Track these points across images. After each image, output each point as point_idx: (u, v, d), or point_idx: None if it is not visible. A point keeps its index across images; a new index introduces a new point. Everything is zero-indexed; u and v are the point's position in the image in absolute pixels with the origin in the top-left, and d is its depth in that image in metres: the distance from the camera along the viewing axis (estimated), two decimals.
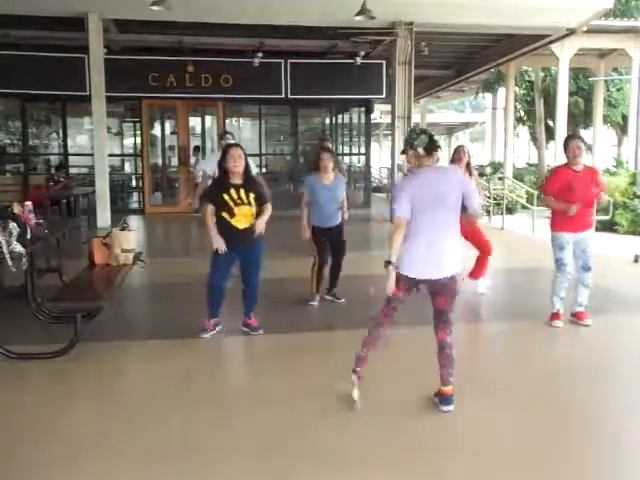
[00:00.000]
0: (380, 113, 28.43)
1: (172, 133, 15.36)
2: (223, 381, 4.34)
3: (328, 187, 5.82)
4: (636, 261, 8.29)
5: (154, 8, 9.33)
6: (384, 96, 14.58)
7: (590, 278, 5.29)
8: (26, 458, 3.13)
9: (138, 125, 15.05)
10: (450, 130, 39.00)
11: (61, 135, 14.89)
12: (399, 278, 3.53)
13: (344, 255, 6.04)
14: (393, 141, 12.89)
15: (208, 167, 6.47)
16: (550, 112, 20.08)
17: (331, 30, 12.26)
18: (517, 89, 22.67)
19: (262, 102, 15.13)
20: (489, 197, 9.74)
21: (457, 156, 6.19)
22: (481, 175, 12.03)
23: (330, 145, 9.21)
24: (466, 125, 40.08)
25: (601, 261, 5.45)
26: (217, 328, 5.00)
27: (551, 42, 14.25)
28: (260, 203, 4.81)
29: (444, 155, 3.80)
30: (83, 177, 15.07)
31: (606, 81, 20.23)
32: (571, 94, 19.46)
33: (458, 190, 3.55)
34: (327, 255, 5.98)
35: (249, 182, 4.79)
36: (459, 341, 3.71)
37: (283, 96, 14.46)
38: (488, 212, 12.59)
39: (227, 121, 15.01)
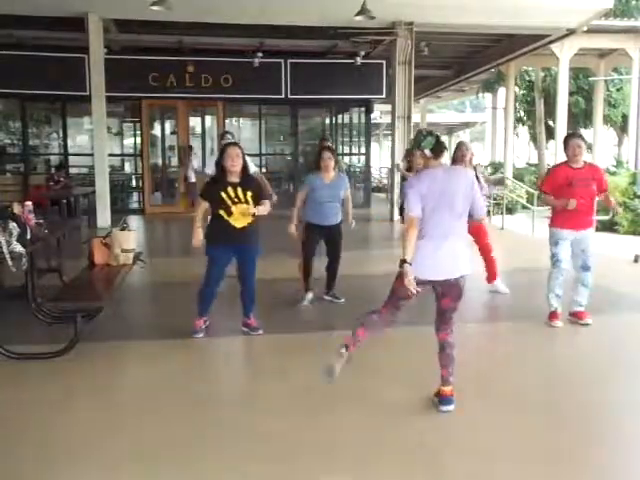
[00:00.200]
0: (380, 113, 28.44)
1: (172, 133, 15.37)
2: (223, 381, 4.35)
3: (329, 186, 5.82)
4: (636, 261, 8.29)
5: (154, 8, 9.34)
6: (384, 96, 14.59)
7: (590, 278, 5.28)
8: (25, 458, 3.12)
9: (138, 125, 15.07)
10: (450, 130, 38.98)
11: (61, 135, 14.90)
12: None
13: (339, 254, 6.02)
14: (393, 141, 12.89)
15: (209, 168, 6.49)
16: (550, 112, 20.09)
17: (331, 30, 12.26)
18: (517, 89, 22.67)
19: (262, 102, 15.14)
20: (489, 197, 9.72)
21: (459, 153, 6.19)
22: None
23: (331, 144, 9.24)
24: (466, 125, 40.08)
25: (601, 261, 5.44)
26: (205, 325, 5.01)
27: (551, 42, 14.26)
28: (258, 201, 4.79)
29: (446, 155, 3.78)
30: (83, 177, 15.09)
31: (606, 81, 20.23)
32: (571, 94, 19.46)
33: (467, 192, 3.54)
34: (313, 252, 5.93)
35: (247, 181, 4.79)
36: (459, 341, 3.70)
37: (283, 96, 14.47)
38: (488, 212, 12.59)
39: (227, 121, 15.02)
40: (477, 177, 6.14)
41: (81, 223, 11.39)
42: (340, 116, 17.51)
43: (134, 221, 12.06)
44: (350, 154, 17.95)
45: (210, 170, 6.15)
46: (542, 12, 11.55)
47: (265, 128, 16.11)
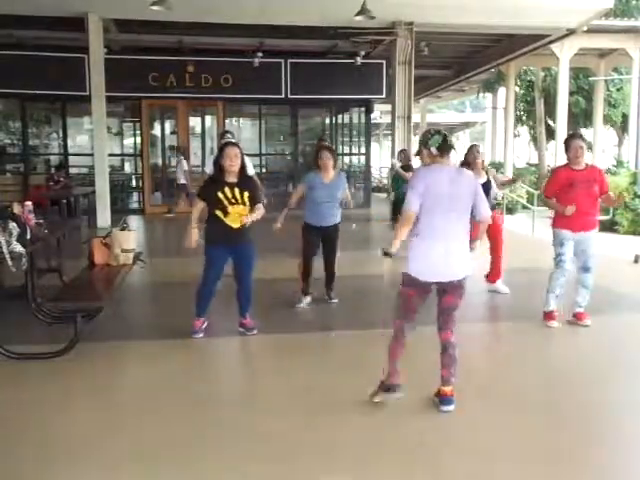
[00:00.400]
0: (380, 113, 28.43)
1: (172, 133, 15.37)
2: (222, 381, 4.35)
3: (328, 185, 5.80)
4: (636, 261, 8.29)
5: (154, 8, 9.34)
6: (384, 96, 14.58)
7: (590, 279, 5.26)
8: (25, 458, 3.12)
9: (138, 125, 15.06)
10: (450, 130, 38.96)
11: (61, 135, 14.90)
12: (416, 282, 3.51)
13: (335, 253, 5.98)
14: (393, 141, 12.90)
15: (208, 167, 6.49)
16: (550, 112, 20.09)
17: (331, 30, 12.27)
18: (517, 89, 22.67)
19: (262, 102, 15.14)
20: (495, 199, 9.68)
21: (471, 156, 6.20)
22: None
23: (328, 144, 9.24)
24: (466, 125, 40.09)
25: (601, 261, 5.43)
26: (204, 325, 5.01)
27: (551, 42, 14.27)
28: (254, 202, 4.79)
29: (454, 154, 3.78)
30: (83, 177, 15.08)
31: (606, 81, 20.23)
32: (571, 94, 19.46)
33: (472, 193, 3.54)
34: (313, 253, 5.89)
35: (244, 181, 4.78)
36: (459, 341, 3.70)
37: (283, 96, 14.47)
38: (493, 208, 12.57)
39: (227, 121, 15.03)
40: (489, 181, 6.20)
41: (81, 223, 11.39)
42: (340, 116, 17.51)
43: (134, 221, 12.06)
44: (350, 154, 17.95)
45: (209, 169, 6.15)
46: (542, 12, 11.55)
47: (265, 128, 16.10)
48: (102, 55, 11.62)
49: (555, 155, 17.75)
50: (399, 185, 10.45)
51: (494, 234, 6.20)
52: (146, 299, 6.76)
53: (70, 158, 14.78)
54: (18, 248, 4.17)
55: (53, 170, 13.17)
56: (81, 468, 3.02)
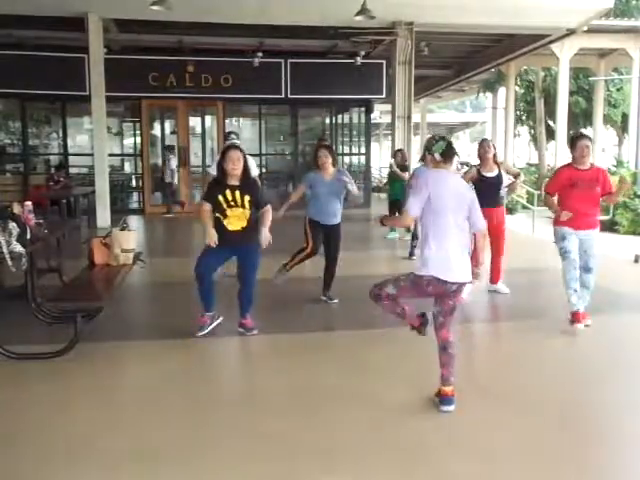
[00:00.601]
0: (380, 113, 28.44)
1: (172, 133, 15.37)
2: (222, 381, 4.35)
3: (328, 183, 5.83)
4: (636, 261, 8.28)
5: (154, 8, 9.34)
6: (384, 96, 14.58)
7: (592, 280, 5.24)
8: (25, 458, 3.12)
9: (138, 125, 15.06)
10: (450, 130, 39.02)
11: (61, 135, 14.90)
12: (430, 281, 3.50)
13: (337, 255, 6.03)
14: (393, 141, 12.90)
15: (213, 169, 6.49)
16: (550, 112, 20.09)
17: (331, 30, 12.27)
18: (517, 89, 22.68)
19: (262, 102, 15.14)
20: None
21: (482, 150, 6.24)
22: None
23: (328, 143, 9.26)
24: (466, 125, 40.12)
25: (601, 261, 5.43)
26: (215, 322, 4.99)
27: (551, 42, 14.28)
28: (258, 206, 4.80)
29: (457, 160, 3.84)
30: (83, 177, 15.08)
31: (606, 81, 20.24)
32: (571, 94, 19.47)
33: (469, 203, 3.58)
34: (318, 244, 5.95)
35: (246, 184, 4.78)
36: (458, 342, 3.70)
37: (283, 96, 14.47)
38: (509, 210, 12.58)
39: (227, 121, 15.02)
40: (500, 175, 6.23)
41: (81, 223, 11.39)
42: (340, 116, 17.50)
43: (134, 221, 12.05)
44: (350, 154, 17.95)
45: (214, 171, 6.17)
46: (542, 12, 11.56)
47: (265, 128, 16.10)
48: (102, 55, 11.62)
49: (555, 155, 17.76)
50: (396, 185, 10.45)
51: (497, 231, 6.19)
52: (146, 299, 6.76)
53: (70, 158, 14.78)
54: (18, 248, 4.17)
55: (53, 170, 13.17)
56: (81, 468, 3.02)
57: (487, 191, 5.97)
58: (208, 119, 15.59)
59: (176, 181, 13.88)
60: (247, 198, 4.73)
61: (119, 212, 11.88)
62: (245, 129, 17.69)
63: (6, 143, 15.39)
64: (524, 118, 24.95)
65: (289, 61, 14.30)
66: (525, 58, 16.71)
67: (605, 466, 3.11)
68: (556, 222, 5.26)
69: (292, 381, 4.11)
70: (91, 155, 12.98)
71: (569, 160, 5.33)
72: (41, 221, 5.04)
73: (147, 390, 3.99)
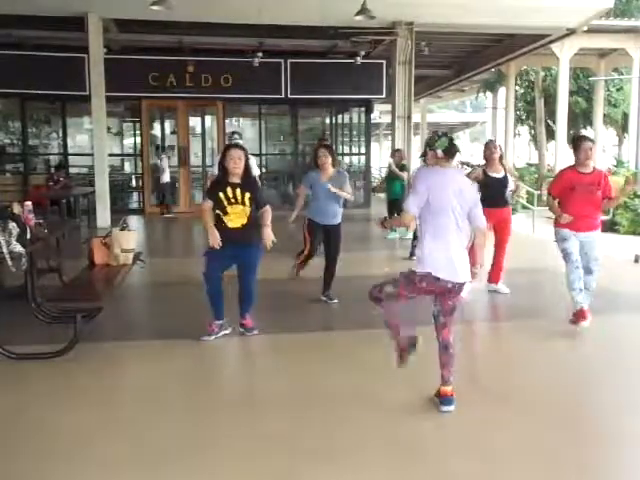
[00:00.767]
0: (380, 113, 28.42)
1: (172, 133, 15.37)
2: (222, 381, 4.34)
3: (326, 184, 5.82)
4: (636, 261, 8.28)
5: (154, 8, 9.33)
6: (384, 96, 14.58)
7: (593, 282, 5.23)
8: (25, 458, 3.12)
9: (138, 125, 15.06)
10: (450, 130, 39.01)
11: (61, 135, 14.90)
12: (427, 278, 3.49)
13: (337, 255, 6.03)
14: (393, 141, 12.89)
15: (216, 168, 6.50)
16: (550, 112, 20.09)
17: (331, 30, 12.27)
18: (517, 89, 22.67)
19: (262, 102, 15.14)
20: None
21: (487, 152, 6.21)
22: None
23: (328, 143, 9.27)
24: (466, 125, 40.11)
25: (601, 261, 5.43)
26: (223, 332, 4.94)
27: (551, 42, 14.27)
28: (257, 205, 4.80)
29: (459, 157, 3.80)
30: (83, 177, 15.07)
31: (606, 81, 20.23)
32: (571, 94, 19.46)
33: (471, 199, 3.56)
34: (318, 243, 6.01)
35: (247, 182, 4.80)
36: (459, 342, 3.70)
37: (283, 96, 14.46)
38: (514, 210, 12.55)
39: (227, 121, 15.03)
40: (506, 176, 6.20)
41: (81, 223, 11.39)
42: (340, 116, 17.50)
43: (134, 221, 12.05)
44: (350, 154, 17.94)
45: (216, 170, 6.19)
46: (542, 12, 11.54)
47: (265, 128, 16.10)
48: (102, 55, 11.62)
49: (555, 155, 17.76)
50: (395, 184, 10.47)
51: (502, 230, 6.18)
52: (146, 299, 6.75)
53: (70, 158, 14.79)
54: (18, 248, 4.17)
55: (53, 170, 13.18)
56: (81, 468, 3.02)
57: (493, 192, 5.96)
58: (208, 119, 15.59)
59: (168, 180, 13.93)
60: (247, 195, 4.75)
61: (119, 212, 11.87)
62: (245, 129, 17.67)
63: (6, 143, 15.39)
64: (524, 118, 24.94)
65: (289, 61, 14.30)
66: (525, 58, 16.70)
67: (605, 466, 3.12)
68: (557, 223, 5.25)
69: (292, 381, 4.10)
70: (91, 155, 12.98)
71: (572, 162, 5.32)
72: (41, 221, 5.04)
73: (147, 390, 3.99)
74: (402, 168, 10.47)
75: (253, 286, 4.94)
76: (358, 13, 9.87)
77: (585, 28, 12.94)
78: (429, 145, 3.61)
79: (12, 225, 4.25)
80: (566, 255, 5.18)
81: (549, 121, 21.65)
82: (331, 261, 6.01)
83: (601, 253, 5.30)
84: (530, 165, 24.37)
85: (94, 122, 11.97)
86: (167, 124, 15.77)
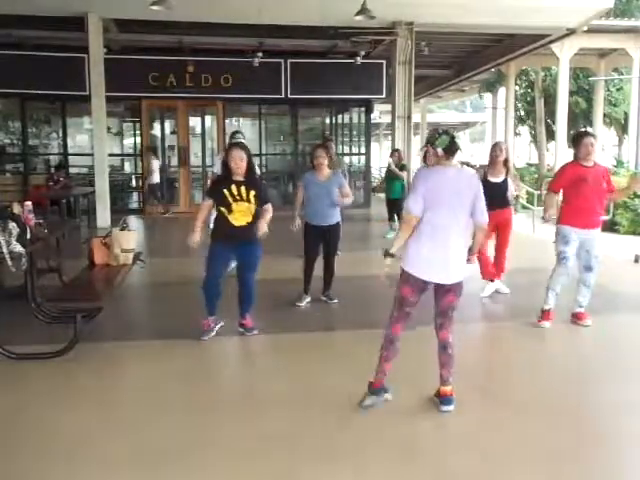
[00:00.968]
0: (380, 113, 28.42)
1: (172, 133, 15.36)
2: (222, 381, 4.34)
3: (322, 184, 5.82)
4: (636, 261, 8.28)
5: (154, 8, 9.32)
6: (384, 96, 14.58)
7: (592, 278, 5.24)
8: (25, 458, 3.12)
9: (138, 125, 15.05)
10: (451, 130, 38.93)
11: (61, 135, 14.89)
12: (412, 280, 3.50)
13: (334, 255, 6.02)
14: (393, 141, 12.89)
15: (216, 167, 6.51)
16: (550, 112, 20.09)
17: (331, 30, 12.26)
18: (517, 89, 22.67)
19: (262, 102, 15.13)
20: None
21: (493, 154, 6.15)
22: None
23: (331, 142, 9.24)
24: (466, 125, 40.09)
25: (601, 261, 5.43)
26: (217, 326, 4.98)
27: (551, 42, 14.26)
28: (260, 202, 4.81)
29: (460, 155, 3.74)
30: (83, 177, 15.07)
31: (606, 81, 20.23)
32: (571, 94, 19.45)
33: (473, 195, 3.52)
34: (314, 253, 5.97)
35: (251, 180, 4.80)
36: (459, 341, 3.70)
37: (283, 96, 14.46)
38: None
39: (227, 121, 15.02)
40: (505, 181, 6.14)
41: (81, 223, 11.39)
42: (340, 116, 17.50)
43: (134, 221, 12.05)
44: (350, 154, 17.94)
45: (217, 169, 6.19)
46: (542, 12, 11.54)
47: (265, 128, 16.09)
48: (102, 55, 11.61)
49: (555, 155, 17.76)
50: (394, 184, 10.47)
51: (503, 229, 6.18)
52: (146, 299, 6.75)
53: (70, 158, 14.77)
54: (18, 248, 4.18)
55: (53, 170, 13.17)
56: (81, 468, 3.02)
57: (491, 195, 5.95)
58: (208, 119, 15.58)
59: (157, 181, 13.92)
60: (252, 193, 4.75)
61: (119, 212, 11.87)
62: (245, 129, 17.64)
63: (6, 143, 15.39)
64: (525, 118, 24.94)
65: (289, 61, 14.30)
66: (525, 58, 16.69)
67: (605, 466, 3.11)
68: (561, 220, 5.23)
69: (292, 381, 4.11)
70: (91, 155, 12.97)
71: (572, 158, 5.30)
72: (41, 221, 5.04)
73: (147, 390, 3.99)
74: (402, 168, 10.51)
75: (253, 286, 4.94)
76: (358, 13, 9.87)
77: (585, 28, 12.93)
78: (429, 142, 3.58)
79: (12, 225, 4.25)
80: (562, 259, 5.19)
81: (549, 121, 21.65)
82: (329, 260, 6.01)
83: (601, 251, 5.30)
84: (530, 165, 24.37)
85: (94, 122, 11.96)
86: (167, 124, 15.77)
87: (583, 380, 4.25)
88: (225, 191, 4.71)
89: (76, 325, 4.41)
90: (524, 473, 3.01)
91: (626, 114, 20.87)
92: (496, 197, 6.07)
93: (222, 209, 4.75)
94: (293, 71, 14.32)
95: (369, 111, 16.37)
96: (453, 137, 3.54)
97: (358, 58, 14.05)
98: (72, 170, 14.67)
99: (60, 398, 3.85)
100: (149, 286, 7.11)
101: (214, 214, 4.94)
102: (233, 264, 5.35)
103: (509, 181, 6.23)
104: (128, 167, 16.98)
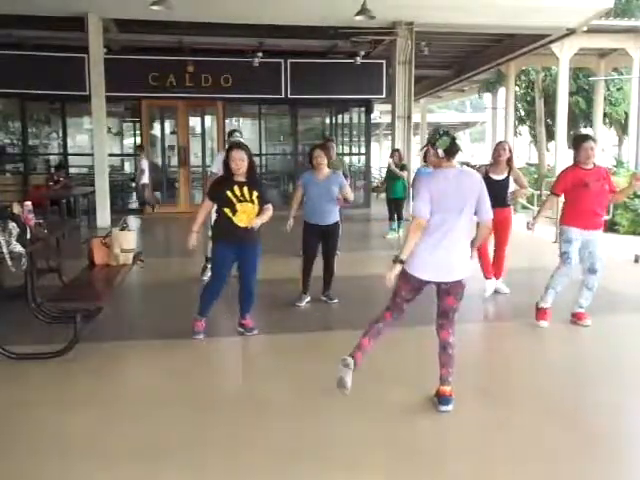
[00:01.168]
0: (380, 113, 28.41)
1: (172, 133, 15.36)
2: (222, 381, 4.34)
3: (321, 184, 5.82)
4: (636, 261, 8.28)
5: (154, 8, 9.33)
6: (384, 96, 14.58)
7: (595, 281, 5.23)
8: (25, 458, 3.13)
9: (138, 125, 15.05)
10: (451, 130, 38.94)
11: (61, 135, 14.89)
12: (409, 277, 3.52)
13: (333, 255, 6.03)
14: (393, 141, 12.89)
15: (216, 167, 6.49)
16: (550, 112, 20.08)
17: (331, 30, 12.27)
18: (517, 89, 22.66)
19: (262, 102, 15.13)
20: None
21: (496, 154, 6.16)
22: None
23: (332, 143, 9.24)
24: (466, 125, 40.08)
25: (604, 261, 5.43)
26: (204, 326, 4.98)
27: (551, 42, 14.26)
28: (262, 203, 4.80)
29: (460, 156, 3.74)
30: (83, 177, 15.06)
31: (606, 81, 20.22)
32: (571, 94, 19.44)
33: (476, 195, 3.52)
34: (312, 251, 5.96)
35: (253, 181, 4.79)
36: (458, 341, 3.70)
37: (283, 96, 14.46)
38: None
39: (227, 121, 15.02)
40: (507, 178, 6.14)
41: (81, 223, 11.39)
42: (340, 116, 17.50)
43: (134, 221, 12.05)
44: (350, 154, 17.94)
45: (216, 169, 6.18)
46: (542, 12, 11.54)
47: (265, 128, 16.10)
48: (102, 55, 11.61)
49: (555, 155, 17.74)
50: (395, 184, 10.48)
51: (502, 228, 6.18)
52: (146, 299, 6.75)
53: (70, 158, 14.78)
54: (18, 248, 4.18)
55: (53, 170, 13.17)
56: (80, 468, 3.02)
57: (493, 193, 5.95)
58: (208, 119, 15.59)
59: (147, 181, 13.90)
60: (255, 194, 4.74)
61: (119, 212, 11.87)
62: (245, 129, 17.65)
63: (6, 143, 15.39)
64: (525, 118, 24.92)
65: (289, 61, 14.30)
66: (525, 58, 16.69)
67: (605, 466, 3.11)
68: (564, 221, 5.25)
69: (292, 381, 4.11)
70: (91, 155, 12.97)
71: (572, 161, 5.31)
72: (41, 221, 5.04)
73: (147, 390, 3.99)
74: (402, 168, 10.53)
75: (254, 286, 4.94)
76: (358, 13, 9.87)
77: (585, 28, 12.93)
78: (430, 142, 3.58)
79: (12, 225, 4.25)
80: (567, 259, 5.19)
81: (549, 121, 21.64)
82: (328, 260, 6.01)
83: (603, 252, 5.31)
84: (530, 165, 24.35)
85: (94, 122, 11.96)
86: (167, 124, 15.77)
87: (583, 380, 4.25)
88: (228, 192, 4.69)
89: (76, 325, 4.41)
90: (523, 473, 3.01)
91: (626, 114, 20.84)
92: (497, 195, 6.07)
93: (226, 210, 4.73)
94: (293, 71, 14.32)
95: (369, 111, 16.37)
96: (454, 138, 3.55)
97: (358, 58, 14.05)
98: (72, 170, 14.67)
99: (60, 398, 3.85)
100: (149, 286, 7.10)
101: (214, 215, 4.94)
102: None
103: (510, 180, 6.25)
104: (128, 167, 16.96)
